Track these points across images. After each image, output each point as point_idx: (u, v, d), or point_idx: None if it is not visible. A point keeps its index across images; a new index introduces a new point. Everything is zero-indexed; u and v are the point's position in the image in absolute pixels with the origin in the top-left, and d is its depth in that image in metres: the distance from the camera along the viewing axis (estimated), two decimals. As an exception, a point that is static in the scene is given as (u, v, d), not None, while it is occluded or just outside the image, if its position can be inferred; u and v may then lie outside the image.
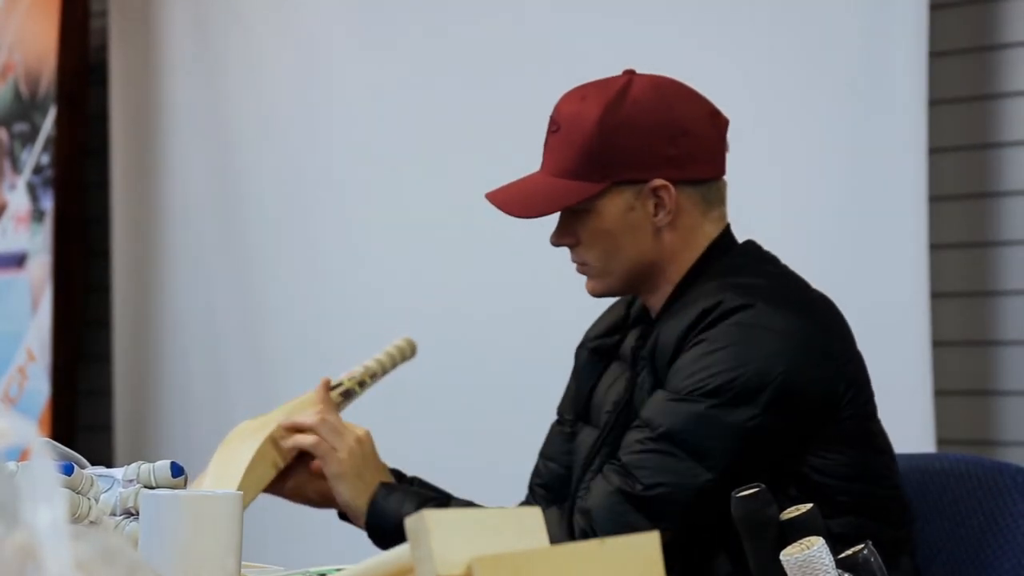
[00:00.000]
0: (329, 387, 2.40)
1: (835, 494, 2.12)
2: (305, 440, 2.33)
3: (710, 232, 2.22)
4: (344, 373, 2.48)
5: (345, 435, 2.32)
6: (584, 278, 2.26)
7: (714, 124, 2.22)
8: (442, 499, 2.31)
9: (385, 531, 2.26)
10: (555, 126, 2.22)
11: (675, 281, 2.21)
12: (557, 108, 2.24)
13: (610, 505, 2.09)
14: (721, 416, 2.08)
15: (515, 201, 2.23)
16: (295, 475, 2.36)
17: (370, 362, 2.52)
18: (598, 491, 2.12)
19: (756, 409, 2.08)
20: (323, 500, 2.38)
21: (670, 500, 2.08)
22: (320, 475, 2.36)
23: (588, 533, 2.10)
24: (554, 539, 2.06)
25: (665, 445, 2.09)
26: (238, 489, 2.24)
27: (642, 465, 2.09)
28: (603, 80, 2.23)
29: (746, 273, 2.19)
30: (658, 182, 2.17)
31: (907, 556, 2.20)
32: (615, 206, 2.18)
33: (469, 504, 2.26)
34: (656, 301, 2.24)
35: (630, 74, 2.23)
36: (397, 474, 2.41)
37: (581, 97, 2.21)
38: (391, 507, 2.26)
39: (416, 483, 2.40)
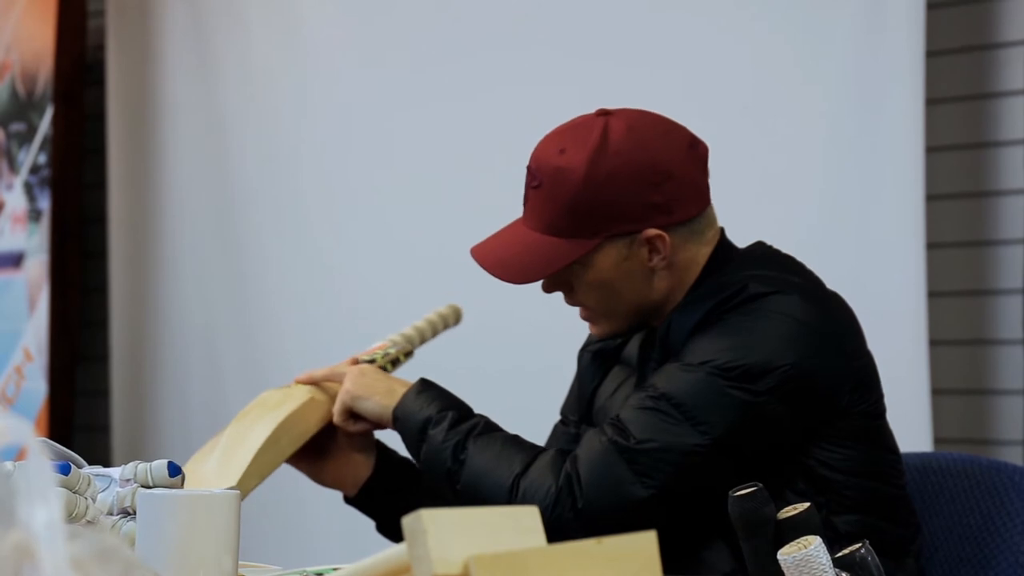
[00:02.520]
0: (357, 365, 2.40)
1: (842, 489, 2.12)
2: (319, 371, 2.35)
3: (706, 253, 2.22)
4: (378, 344, 2.46)
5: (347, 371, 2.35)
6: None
7: (694, 157, 2.20)
8: (465, 411, 2.28)
9: (408, 431, 2.26)
10: (536, 181, 2.19)
11: (679, 300, 2.22)
12: (536, 160, 2.20)
13: (600, 454, 2.10)
14: (723, 387, 2.08)
15: (506, 264, 2.21)
16: (312, 454, 2.36)
17: (409, 330, 2.50)
18: (591, 440, 2.13)
19: (760, 389, 2.08)
20: (336, 482, 2.39)
21: (659, 458, 2.08)
22: (335, 457, 2.36)
23: (572, 477, 2.10)
24: (540, 479, 2.10)
25: (663, 405, 2.09)
26: (244, 472, 2.24)
27: (636, 420, 2.10)
28: (577, 126, 2.19)
29: (767, 267, 2.20)
30: (651, 232, 2.16)
31: (912, 557, 2.20)
32: (609, 258, 2.18)
33: (493, 430, 2.23)
34: (662, 321, 2.24)
35: (604, 117, 2.19)
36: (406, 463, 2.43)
37: (560, 150, 2.17)
38: (416, 406, 2.26)
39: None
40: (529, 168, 2.21)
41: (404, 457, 2.40)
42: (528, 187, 2.21)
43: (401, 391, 2.28)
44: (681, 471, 2.08)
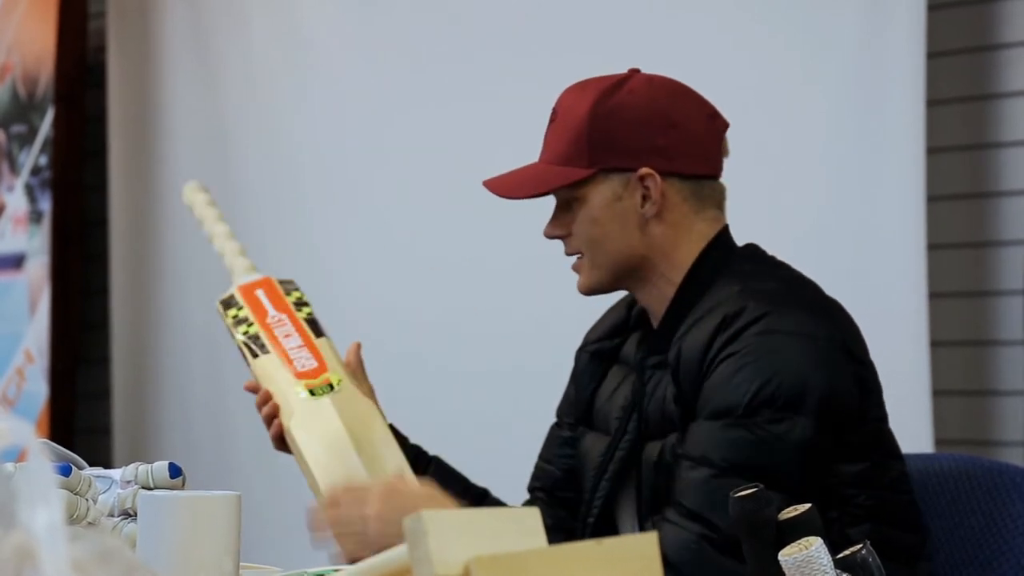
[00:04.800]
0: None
1: (856, 501, 2.10)
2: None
3: (705, 231, 2.21)
4: (257, 286, 2.41)
5: (364, 517, 2.11)
6: (577, 278, 2.26)
7: (710, 124, 2.21)
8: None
9: None
10: (553, 115, 2.24)
11: (675, 281, 2.19)
12: (558, 99, 2.25)
13: (697, 556, 2.01)
14: (777, 433, 2.03)
15: (506, 185, 2.24)
16: None
17: (242, 261, 2.47)
18: (678, 542, 2.02)
19: (805, 418, 2.04)
20: None
21: None
22: None
23: None
24: None
25: (732, 479, 1.98)
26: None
27: (715, 506, 2.00)
28: (607, 75, 2.24)
29: (762, 278, 2.17)
30: (644, 171, 2.17)
31: (925, 561, 2.19)
32: (602, 194, 2.18)
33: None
34: (654, 300, 2.22)
35: (634, 71, 2.24)
36: (418, 451, 2.39)
37: (580, 88, 2.23)
38: None
39: (435, 464, 2.38)
40: (553, 107, 2.25)
41: (415, 446, 2.39)
42: (549, 123, 2.25)
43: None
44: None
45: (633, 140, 2.17)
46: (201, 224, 2.51)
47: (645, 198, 2.18)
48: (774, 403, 2.04)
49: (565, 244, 2.24)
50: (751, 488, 1.48)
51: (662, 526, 2.06)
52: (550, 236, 2.25)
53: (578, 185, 2.18)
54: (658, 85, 2.21)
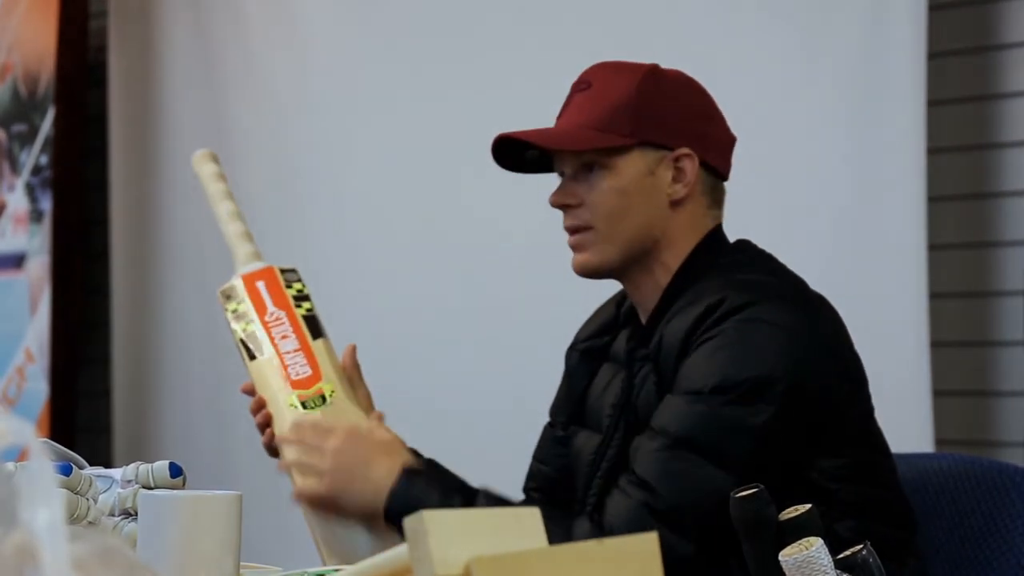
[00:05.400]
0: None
1: (840, 496, 2.10)
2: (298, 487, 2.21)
3: (709, 227, 2.23)
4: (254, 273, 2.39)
5: (324, 450, 2.17)
6: (571, 269, 2.23)
7: (728, 132, 2.27)
8: (467, 491, 2.16)
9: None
10: (585, 85, 2.21)
11: (672, 269, 2.19)
12: (588, 72, 2.22)
13: (635, 521, 2.03)
14: (734, 414, 2.05)
15: (544, 136, 2.19)
16: None
17: (247, 247, 2.45)
18: (620, 507, 2.06)
19: (768, 406, 2.05)
20: None
21: (693, 511, 2.03)
22: None
23: None
24: None
25: (682, 452, 2.04)
26: None
27: (659, 475, 2.04)
28: (633, 62, 2.24)
29: (747, 270, 2.18)
30: (683, 150, 2.17)
31: (913, 557, 2.19)
32: (635, 167, 2.17)
33: (496, 500, 2.15)
34: (647, 291, 2.21)
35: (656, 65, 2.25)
36: (414, 454, 2.29)
37: (616, 69, 2.21)
38: (415, 500, 2.10)
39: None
40: (579, 78, 2.22)
41: (411, 449, 2.38)
42: (574, 93, 2.21)
43: (386, 484, 2.13)
44: (714, 514, 2.02)
45: (679, 120, 2.19)
46: (207, 199, 2.50)
47: (675, 179, 2.18)
48: (740, 387, 2.05)
49: (569, 215, 2.20)
50: (751, 488, 1.48)
51: (612, 491, 2.10)
52: (557, 205, 2.21)
53: (612, 152, 2.17)
54: (693, 79, 2.24)
